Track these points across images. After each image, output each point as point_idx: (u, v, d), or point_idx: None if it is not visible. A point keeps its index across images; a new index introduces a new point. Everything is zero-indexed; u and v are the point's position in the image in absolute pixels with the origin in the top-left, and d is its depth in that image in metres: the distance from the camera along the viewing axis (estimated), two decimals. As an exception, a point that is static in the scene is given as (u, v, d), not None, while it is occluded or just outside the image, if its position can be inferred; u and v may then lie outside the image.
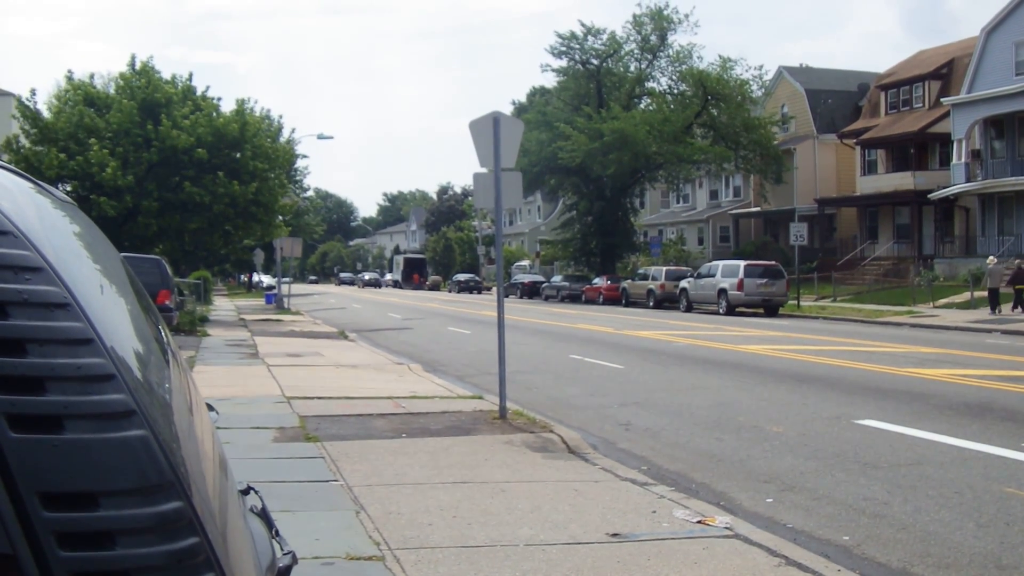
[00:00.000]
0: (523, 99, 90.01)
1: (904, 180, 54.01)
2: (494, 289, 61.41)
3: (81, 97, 35.49)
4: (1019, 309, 34.88)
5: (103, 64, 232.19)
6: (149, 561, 1.17)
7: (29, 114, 34.97)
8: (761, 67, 63.34)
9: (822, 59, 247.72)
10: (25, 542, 1.12)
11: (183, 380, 1.81)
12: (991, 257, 38.66)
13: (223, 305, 52.99)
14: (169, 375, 1.62)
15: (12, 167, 1.63)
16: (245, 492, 2.23)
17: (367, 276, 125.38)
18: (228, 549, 1.41)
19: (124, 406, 1.22)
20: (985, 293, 36.83)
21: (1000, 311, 34.98)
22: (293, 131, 59.15)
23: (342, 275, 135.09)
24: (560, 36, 65.06)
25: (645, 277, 50.68)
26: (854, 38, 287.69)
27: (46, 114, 35.67)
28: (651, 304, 48.27)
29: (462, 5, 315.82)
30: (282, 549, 2.05)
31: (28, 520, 1.13)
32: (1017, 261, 38.44)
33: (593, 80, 65.21)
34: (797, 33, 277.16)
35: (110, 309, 1.46)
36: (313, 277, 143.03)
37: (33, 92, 36.29)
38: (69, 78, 36.76)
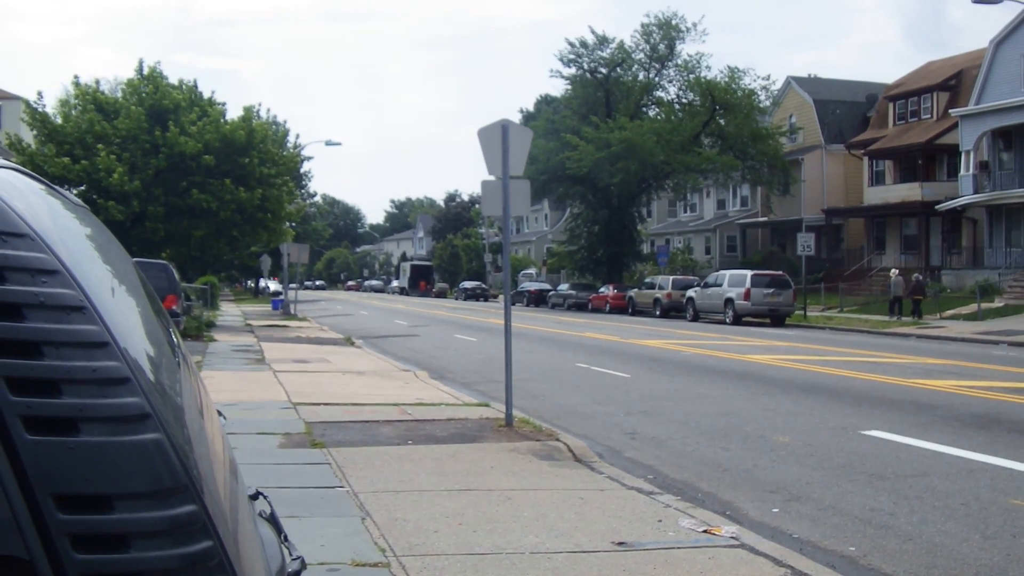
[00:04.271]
0: (531, 107, 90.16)
1: (912, 191, 53.94)
2: (500, 297, 61.32)
3: (89, 102, 35.57)
4: (916, 316, 40.41)
5: (109, 70, 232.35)
6: (163, 564, 1.18)
7: (39, 116, 35.06)
8: (768, 77, 63.29)
9: (827, 69, 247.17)
10: (40, 544, 1.12)
11: (193, 383, 1.82)
12: (894, 270, 44.34)
13: (230, 310, 53.03)
14: (180, 378, 1.62)
15: (22, 168, 1.63)
16: (254, 497, 2.23)
17: (317, 282, 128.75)
18: (240, 552, 1.41)
19: (139, 409, 1.23)
20: (995, 304, 39.95)
21: (900, 317, 40.96)
22: (298, 136, 59.45)
23: (317, 282, 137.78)
24: (570, 43, 65.12)
25: (652, 286, 50.63)
26: (857, 49, 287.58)
27: (57, 119, 35.72)
28: (657, 313, 48.23)
29: (467, 13, 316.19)
30: (291, 554, 2.05)
31: (43, 522, 1.13)
32: (916, 275, 43.48)
33: (601, 89, 65.20)
34: (801, 44, 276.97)
35: (124, 312, 1.46)
36: (344, 282, 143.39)
37: (40, 95, 36.31)
38: (76, 83, 36.85)
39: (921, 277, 43.76)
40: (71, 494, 1.15)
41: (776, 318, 41.22)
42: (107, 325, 1.27)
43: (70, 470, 1.16)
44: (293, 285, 51.80)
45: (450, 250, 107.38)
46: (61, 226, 1.49)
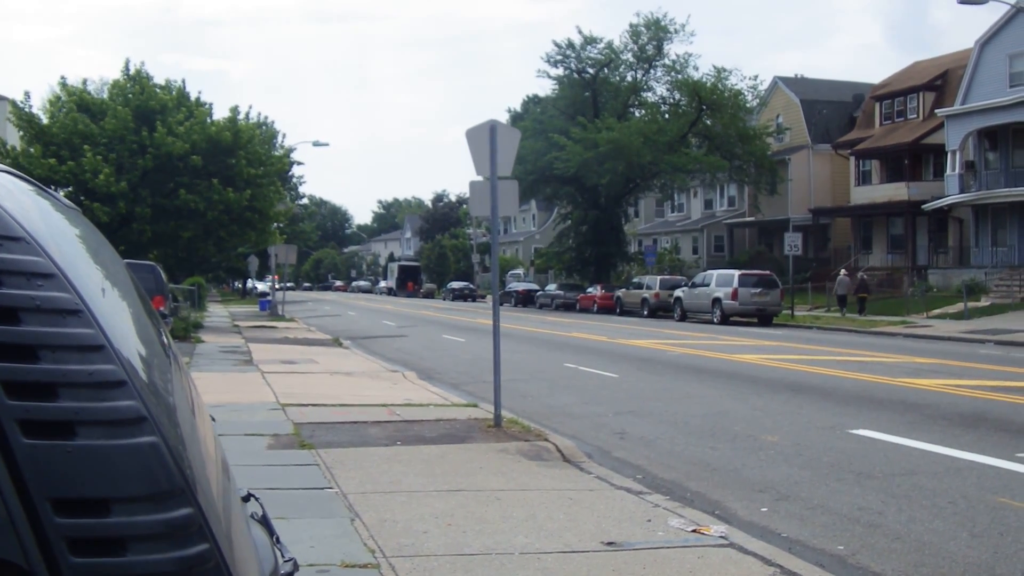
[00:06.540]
0: (518, 107, 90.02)
1: (898, 191, 54.09)
2: (488, 297, 61.36)
3: (75, 103, 35.39)
4: (862, 313, 43.03)
5: (97, 70, 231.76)
6: (160, 567, 1.18)
7: (25, 116, 34.86)
8: (756, 77, 63.38)
9: (813, 70, 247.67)
10: (37, 547, 1.13)
11: (184, 382, 1.82)
12: (842, 271, 47.06)
13: (217, 311, 52.91)
14: (172, 377, 1.62)
15: (11, 169, 1.62)
16: (246, 499, 2.23)
17: (288, 284, 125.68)
18: (234, 554, 1.41)
19: (135, 412, 1.23)
20: (982, 303, 40.81)
21: (846, 313, 43.60)
22: (284, 137, 59.10)
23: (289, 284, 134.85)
24: (557, 44, 65.03)
25: (639, 286, 50.69)
26: (843, 50, 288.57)
27: (43, 119, 35.53)
28: (645, 313, 48.28)
29: (455, 14, 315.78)
30: (283, 556, 2.05)
31: (40, 525, 1.13)
32: (860, 274, 46.19)
33: (589, 89, 65.20)
34: (788, 44, 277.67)
35: (118, 314, 1.46)
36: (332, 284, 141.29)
37: (27, 95, 36.04)
38: (63, 84, 36.66)
39: (866, 276, 46.14)
40: (68, 498, 1.15)
41: (764, 318, 41.32)
42: (102, 328, 1.27)
43: (67, 474, 1.16)
44: (279, 286, 51.72)
45: (438, 250, 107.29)
46: (54, 229, 1.49)
